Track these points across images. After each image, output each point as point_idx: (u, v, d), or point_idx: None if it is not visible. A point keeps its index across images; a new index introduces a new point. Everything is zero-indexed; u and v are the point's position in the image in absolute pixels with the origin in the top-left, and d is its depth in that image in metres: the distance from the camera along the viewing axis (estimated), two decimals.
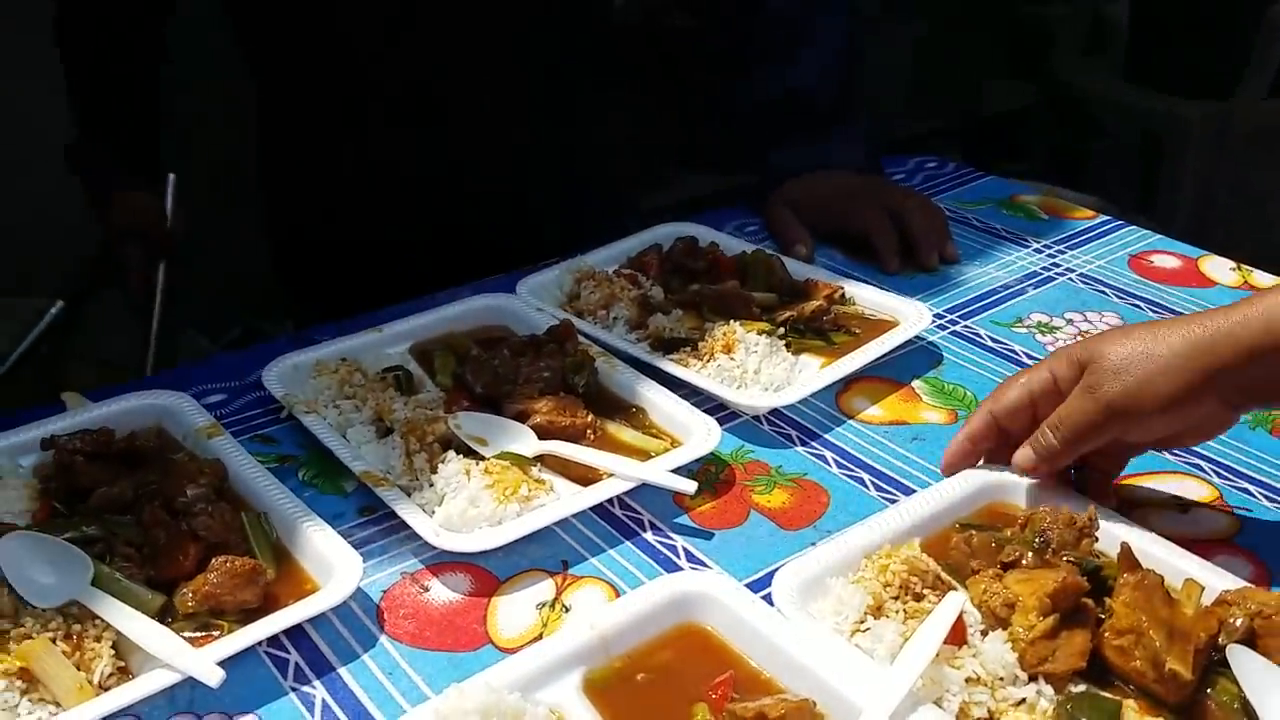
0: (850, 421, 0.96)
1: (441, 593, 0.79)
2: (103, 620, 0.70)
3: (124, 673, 0.69)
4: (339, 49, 1.20)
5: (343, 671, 0.72)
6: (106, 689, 0.67)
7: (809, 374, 0.99)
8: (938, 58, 3.65)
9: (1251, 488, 0.88)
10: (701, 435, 0.89)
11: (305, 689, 0.71)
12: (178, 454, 0.87)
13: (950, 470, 0.85)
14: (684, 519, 0.85)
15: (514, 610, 0.77)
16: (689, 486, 0.84)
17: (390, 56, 1.19)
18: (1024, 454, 0.83)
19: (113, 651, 0.69)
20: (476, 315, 1.08)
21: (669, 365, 0.98)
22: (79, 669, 0.68)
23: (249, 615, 0.73)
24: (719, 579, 0.75)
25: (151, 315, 1.41)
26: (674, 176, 2.67)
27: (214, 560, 0.73)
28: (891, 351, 1.02)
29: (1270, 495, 0.87)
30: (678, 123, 2.38)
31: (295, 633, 0.74)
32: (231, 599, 0.73)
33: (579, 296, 1.09)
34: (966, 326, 1.11)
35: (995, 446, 0.85)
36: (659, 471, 0.85)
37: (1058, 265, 1.23)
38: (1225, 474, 0.90)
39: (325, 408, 0.93)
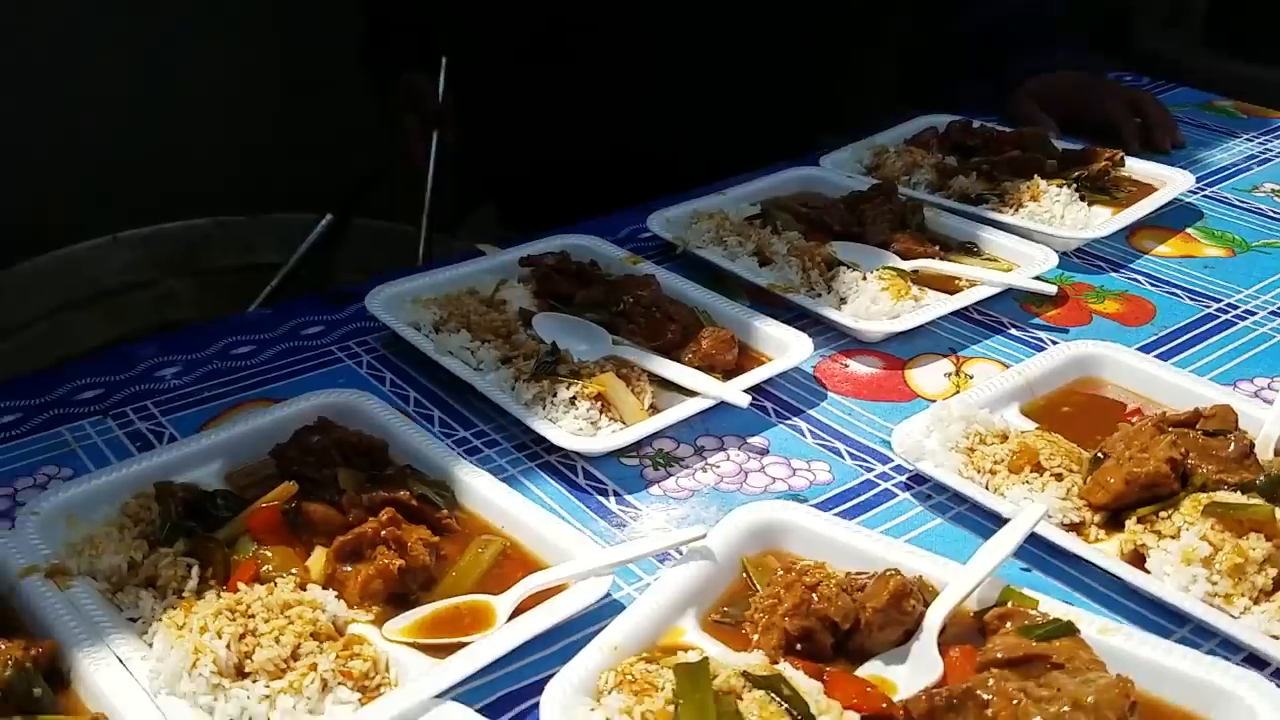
0: (1148, 256, 1.14)
1: (859, 368, 0.97)
2: (638, 366, 0.88)
3: (653, 410, 0.87)
4: None
5: (802, 421, 0.90)
6: (653, 411, 0.85)
7: (1103, 218, 1.16)
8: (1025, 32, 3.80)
9: None
10: (1032, 259, 1.07)
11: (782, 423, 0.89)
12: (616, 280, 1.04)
13: None
14: (1036, 320, 1.03)
15: (926, 378, 0.95)
16: (1048, 289, 1.03)
17: None
18: None
19: (651, 390, 0.87)
20: (793, 184, 1.26)
21: (988, 212, 1.16)
22: (628, 411, 0.86)
23: (728, 375, 0.91)
24: None
25: (426, 180, 1.62)
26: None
27: (704, 330, 0.91)
28: (1163, 206, 1.20)
29: None
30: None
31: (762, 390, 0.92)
32: (720, 359, 0.91)
33: (880, 167, 1.27)
34: (1215, 192, 1.28)
35: None
36: (1020, 277, 1.03)
37: (1270, 149, 1.41)
38: None
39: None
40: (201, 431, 0.86)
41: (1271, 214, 1.23)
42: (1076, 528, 0.75)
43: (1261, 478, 0.75)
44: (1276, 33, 3.72)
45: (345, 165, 1.81)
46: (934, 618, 0.66)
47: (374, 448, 0.83)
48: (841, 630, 0.65)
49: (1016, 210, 1.16)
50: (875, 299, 1.01)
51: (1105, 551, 0.73)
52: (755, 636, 0.67)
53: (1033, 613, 0.65)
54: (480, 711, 0.62)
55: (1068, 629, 0.62)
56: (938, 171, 1.24)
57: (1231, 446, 0.78)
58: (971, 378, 0.95)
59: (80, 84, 1.90)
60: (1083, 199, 1.18)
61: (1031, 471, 0.78)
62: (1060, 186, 1.18)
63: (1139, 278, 1.11)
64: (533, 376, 0.89)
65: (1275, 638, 0.66)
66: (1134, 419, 0.85)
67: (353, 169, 1.83)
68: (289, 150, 1.93)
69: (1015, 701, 0.55)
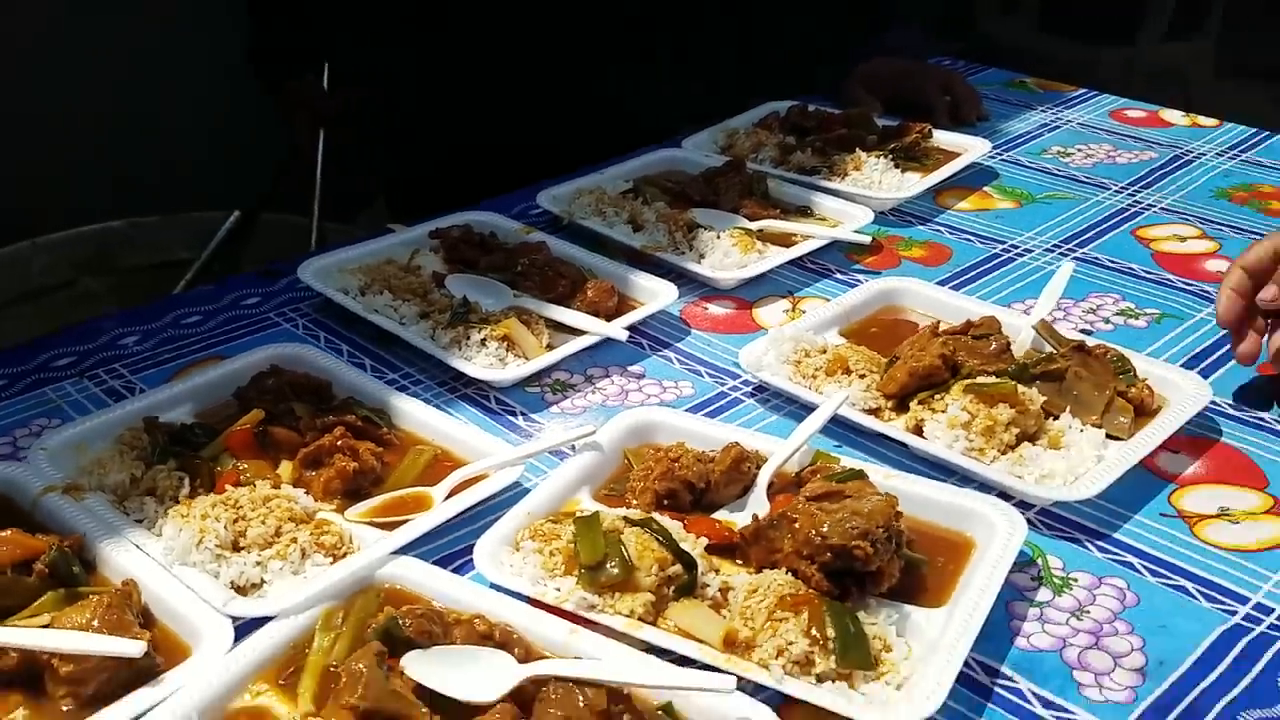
0: (949, 211, 1.39)
1: (716, 309, 1.18)
2: (535, 313, 1.08)
3: (549, 348, 1.07)
4: None
5: (670, 353, 1.12)
6: (549, 348, 1.05)
7: (918, 180, 1.40)
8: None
9: None
10: (854, 217, 1.30)
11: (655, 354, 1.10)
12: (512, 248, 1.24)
13: (1226, 322, 1.01)
14: (857, 266, 1.26)
15: (768, 314, 1.17)
16: (863, 239, 1.26)
17: None
18: (1269, 290, 0.99)
19: (547, 333, 1.07)
20: (660, 163, 1.47)
21: (819, 180, 1.39)
22: (528, 348, 1.05)
23: (609, 318, 1.11)
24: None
25: (316, 176, 1.80)
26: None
27: (588, 283, 1.12)
28: (965, 169, 1.45)
29: None
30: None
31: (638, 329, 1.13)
32: (603, 305, 1.12)
33: (731, 146, 1.49)
34: (1010, 156, 1.54)
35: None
36: (843, 231, 1.26)
37: (1059, 118, 1.68)
38: None
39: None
40: (169, 381, 1.03)
41: (1055, 171, 1.50)
42: (875, 412, 0.98)
43: (1012, 366, 0.99)
44: (1102, 16, 4.11)
45: (252, 163, 1.95)
46: (763, 476, 0.87)
47: (320, 386, 1.01)
48: (697, 489, 0.86)
49: (843, 178, 1.40)
50: (728, 253, 1.22)
51: (894, 426, 0.96)
52: (633, 500, 0.87)
53: (834, 467, 0.87)
54: None
55: (858, 474, 0.84)
56: (779, 149, 1.47)
57: (993, 345, 1.02)
58: (804, 312, 1.17)
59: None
60: (897, 166, 1.42)
61: (842, 374, 1.01)
62: (879, 157, 1.42)
63: (941, 228, 1.35)
64: (449, 325, 1.08)
65: (1017, 477, 0.90)
66: (919, 329, 1.09)
67: (259, 166, 1.97)
68: (201, 149, 2.07)
69: (813, 516, 0.77)
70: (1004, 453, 0.92)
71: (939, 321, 1.07)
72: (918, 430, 0.95)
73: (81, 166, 2.02)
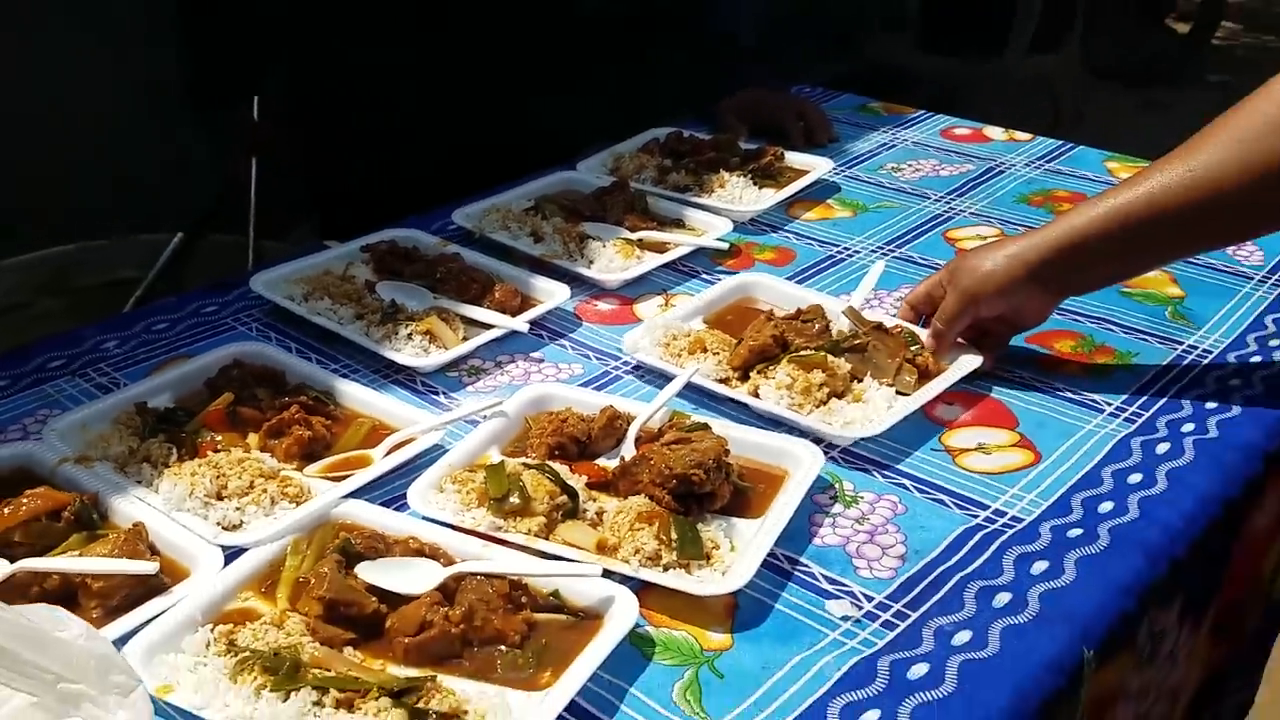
0: (797, 220, 1.66)
1: (604, 306, 1.44)
2: (452, 312, 1.32)
3: (465, 340, 1.31)
4: None
5: (565, 341, 1.37)
6: (465, 339, 1.29)
7: (772, 195, 1.68)
8: (777, 40, 4.43)
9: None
10: (717, 226, 1.57)
11: (553, 343, 1.35)
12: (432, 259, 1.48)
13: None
14: (720, 268, 1.53)
15: (647, 309, 1.43)
16: (723, 246, 1.52)
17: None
18: (927, 336, 1.26)
19: (463, 328, 1.31)
20: (557, 184, 1.72)
21: (690, 197, 1.66)
22: (447, 340, 1.30)
23: (515, 315, 1.36)
24: None
25: (250, 200, 2.02)
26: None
27: (497, 286, 1.37)
28: (813, 184, 1.73)
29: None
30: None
31: (539, 323, 1.37)
32: (509, 305, 1.37)
33: (618, 169, 1.75)
34: (852, 172, 1.83)
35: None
36: (708, 239, 1.53)
37: (897, 137, 1.97)
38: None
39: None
40: (149, 376, 1.25)
41: (887, 184, 1.79)
42: (725, 381, 1.25)
43: (828, 343, 1.27)
44: (973, 34, 4.49)
45: (195, 188, 2.16)
46: (631, 430, 1.13)
47: (276, 375, 1.24)
48: (581, 443, 1.12)
49: (709, 195, 1.67)
50: (612, 259, 1.48)
51: (738, 391, 1.22)
52: (531, 453, 1.12)
53: (685, 422, 1.13)
54: None
55: (703, 426, 1.11)
56: (658, 170, 1.73)
57: (815, 327, 1.29)
58: (675, 306, 1.43)
59: None
60: (755, 184, 1.70)
61: (701, 352, 1.27)
62: (740, 177, 1.69)
63: (789, 235, 1.63)
64: (380, 323, 1.32)
65: (827, 424, 1.17)
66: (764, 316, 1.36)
67: (201, 191, 2.18)
68: (145, 174, 2.26)
69: (664, 455, 1.03)
70: (818, 407, 1.19)
71: (773, 310, 1.35)
72: (755, 393, 1.21)
73: (36, 193, 2.20)
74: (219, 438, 1.13)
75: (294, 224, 2.43)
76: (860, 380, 1.23)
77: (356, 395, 1.21)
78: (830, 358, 1.22)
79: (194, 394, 1.22)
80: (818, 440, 1.15)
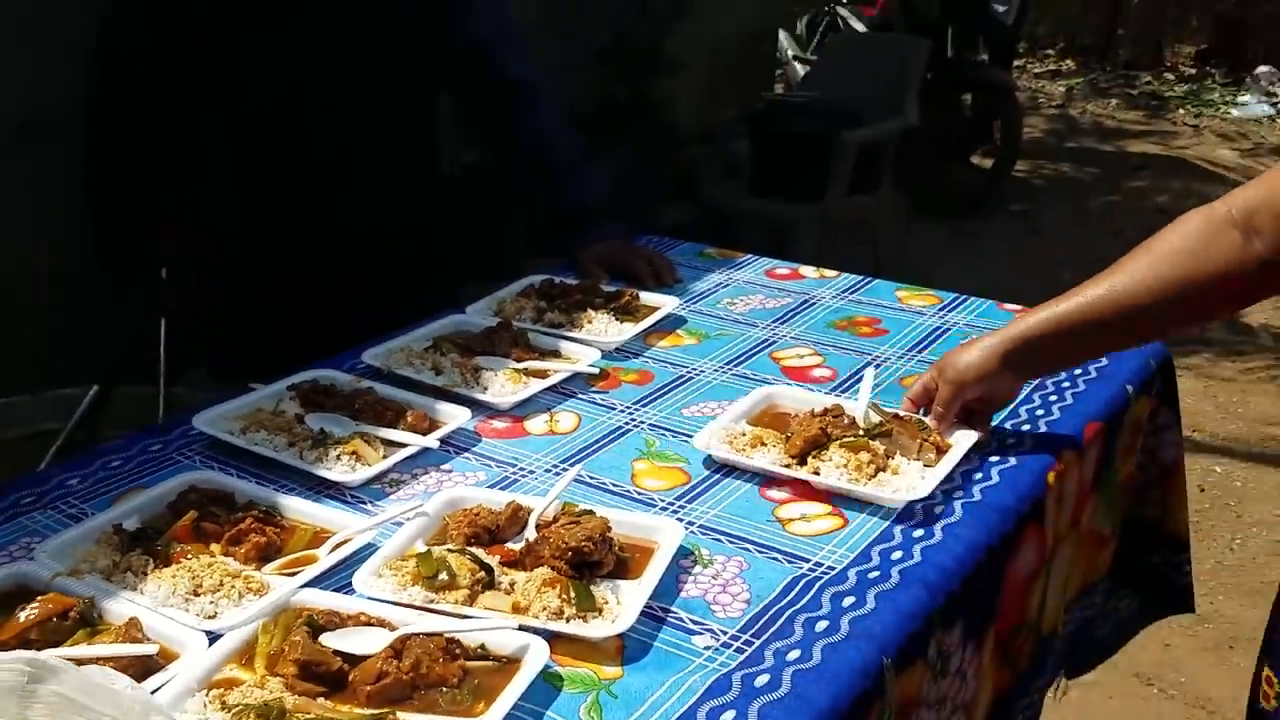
0: (653, 348, 2.01)
1: (498, 424, 1.72)
2: (373, 435, 1.59)
3: (385, 458, 1.57)
4: None
5: (469, 454, 1.64)
6: (385, 458, 1.56)
7: (631, 328, 2.02)
8: (627, 187, 4.90)
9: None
10: (588, 355, 1.90)
11: (458, 456, 1.62)
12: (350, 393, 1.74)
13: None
14: (593, 389, 1.85)
15: (534, 425, 1.72)
16: (594, 370, 1.84)
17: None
18: (930, 420, 1.59)
19: (383, 448, 1.57)
20: (450, 327, 2.02)
21: (564, 332, 1.98)
22: (370, 459, 1.55)
23: (425, 434, 1.63)
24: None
25: (160, 355, 2.24)
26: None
27: (407, 413, 1.64)
28: (664, 318, 2.09)
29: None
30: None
31: (447, 441, 1.64)
32: (419, 428, 1.64)
33: (502, 310, 2.07)
34: (695, 307, 2.20)
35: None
36: (581, 366, 1.85)
37: (730, 277, 2.37)
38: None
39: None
40: (115, 505, 1.46)
41: (724, 316, 2.16)
42: (788, 466, 1.56)
43: (862, 431, 1.61)
44: (797, 180, 5.06)
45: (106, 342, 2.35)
46: (532, 519, 1.41)
47: (227, 497, 1.47)
48: (491, 531, 1.39)
49: (580, 329, 2.01)
50: (504, 386, 1.79)
51: (800, 472, 1.55)
52: (450, 543, 1.38)
53: (576, 509, 1.42)
54: None
55: (589, 512, 1.40)
56: (536, 310, 2.07)
57: (846, 420, 1.64)
58: (559, 421, 1.74)
59: None
60: (617, 319, 2.05)
61: (761, 445, 1.59)
62: (604, 314, 2.04)
63: (649, 360, 1.97)
64: (312, 448, 1.57)
65: (883, 491, 1.49)
66: (793, 415, 1.70)
67: (112, 342, 2.37)
68: (60, 327, 2.44)
69: (560, 534, 1.32)
70: (869, 480, 1.52)
71: (796, 411, 1.71)
72: (815, 473, 1.54)
73: None
74: (188, 548, 1.35)
75: (184, 369, 2.64)
76: (892, 458, 1.57)
77: (298, 508, 1.46)
78: (869, 441, 1.57)
79: (158, 516, 1.44)
80: (866, 502, 1.50)
